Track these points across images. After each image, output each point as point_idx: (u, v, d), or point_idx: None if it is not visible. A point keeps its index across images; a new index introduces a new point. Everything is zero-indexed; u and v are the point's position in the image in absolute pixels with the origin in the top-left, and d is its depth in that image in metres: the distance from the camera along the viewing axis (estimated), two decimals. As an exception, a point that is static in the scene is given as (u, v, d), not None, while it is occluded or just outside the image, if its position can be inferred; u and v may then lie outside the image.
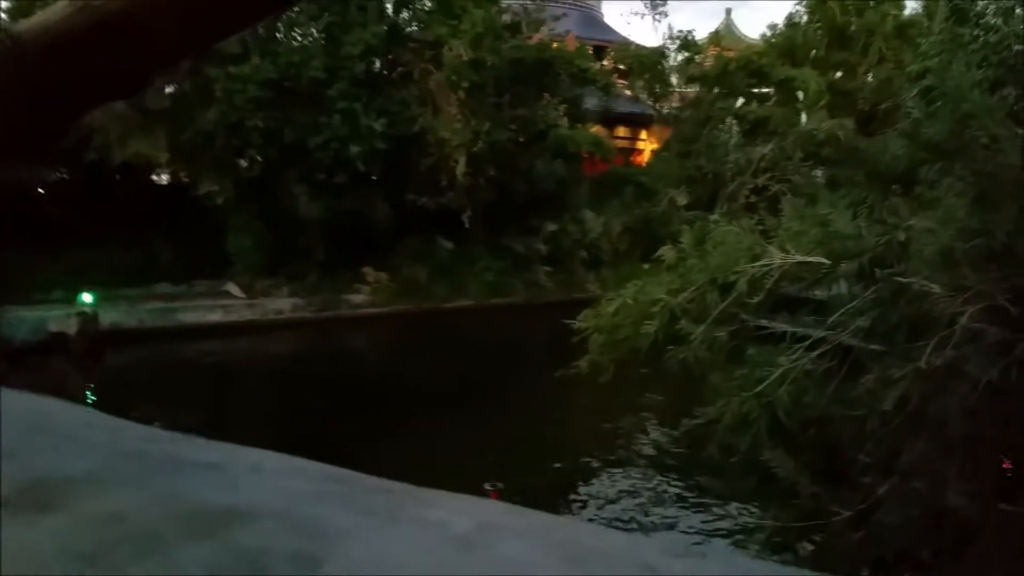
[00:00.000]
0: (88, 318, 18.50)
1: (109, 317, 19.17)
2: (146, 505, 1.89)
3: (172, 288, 22.41)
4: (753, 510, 8.62)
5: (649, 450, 13.26)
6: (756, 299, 5.31)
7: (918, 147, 4.55)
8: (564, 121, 27.65)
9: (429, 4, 24.86)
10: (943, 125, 4.56)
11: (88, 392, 15.52)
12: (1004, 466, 4.42)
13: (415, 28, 24.80)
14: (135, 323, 19.97)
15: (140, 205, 22.67)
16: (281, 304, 22.56)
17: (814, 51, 32.52)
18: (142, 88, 1.19)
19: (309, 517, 1.90)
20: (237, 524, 1.81)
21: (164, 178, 25.42)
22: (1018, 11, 12.18)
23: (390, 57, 24.33)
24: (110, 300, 19.73)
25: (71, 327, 18.31)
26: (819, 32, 32.77)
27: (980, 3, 13.06)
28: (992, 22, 12.04)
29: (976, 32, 11.99)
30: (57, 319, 18.43)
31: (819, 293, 5.41)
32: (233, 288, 22.84)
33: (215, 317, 21.41)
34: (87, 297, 18.72)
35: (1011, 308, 4.00)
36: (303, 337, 21.59)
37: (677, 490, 11.45)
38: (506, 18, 26.35)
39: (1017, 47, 11.34)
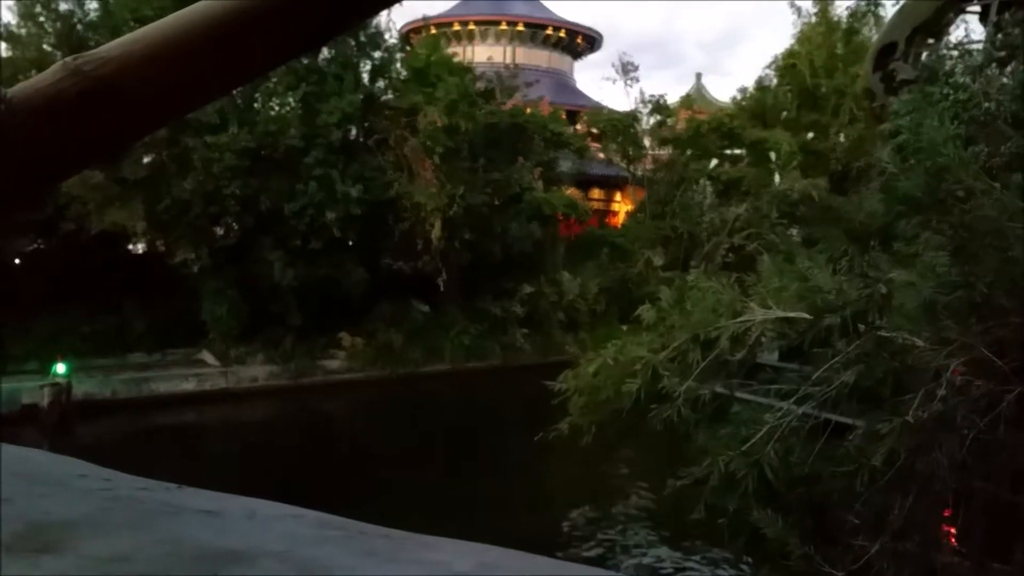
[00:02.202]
0: (60, 389, 18.21)
1: (83, 387, 18.90)
2: (148, 547, 1.90)
3: (146, 357, 22.13)
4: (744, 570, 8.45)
5: (633, 511, 13.05)
6: (739, 355, 5.26)
7: (895, 201, 4.58)
8: (539, 184, 27.99)
9: (404, 73, 25.26)
10: (918, 179, 4.59)
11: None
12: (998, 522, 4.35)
13: (391, 96, 25.14)
14: (108, 393, 19.72)
15: (115, 274, 22.50)
16: (256, 371, 22.27)
17: (785, 113, 33.26)
18: (127, 151, 1.16)
19: (311, 557, 1.91)
20: (241, 564, 1.81)
21: (140, 247, 25.30)
22: (986, 70, 12.58)
23: (366, 124, 24.59)
24: (84, 370, 19.46)
25: (43, 398, 17.98)
26: (789, 94, 33.55)
27: (948, 63, 13.49)
28: (961, 81, 12.41)
29: (946, 91, 12.31)
30: (30, 390, 18.11)
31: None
32: (207, 356, 22.55)
33: (189, 386, 21.13)
34: (60, 368, 18.46)
35: (996, 360, 3.97)
36: (278, 404, 21.27)
37: (662, 551, 11.24)
38: (480, 85, 26.84)
39: (986, 104, 11.66)
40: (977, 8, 16.35)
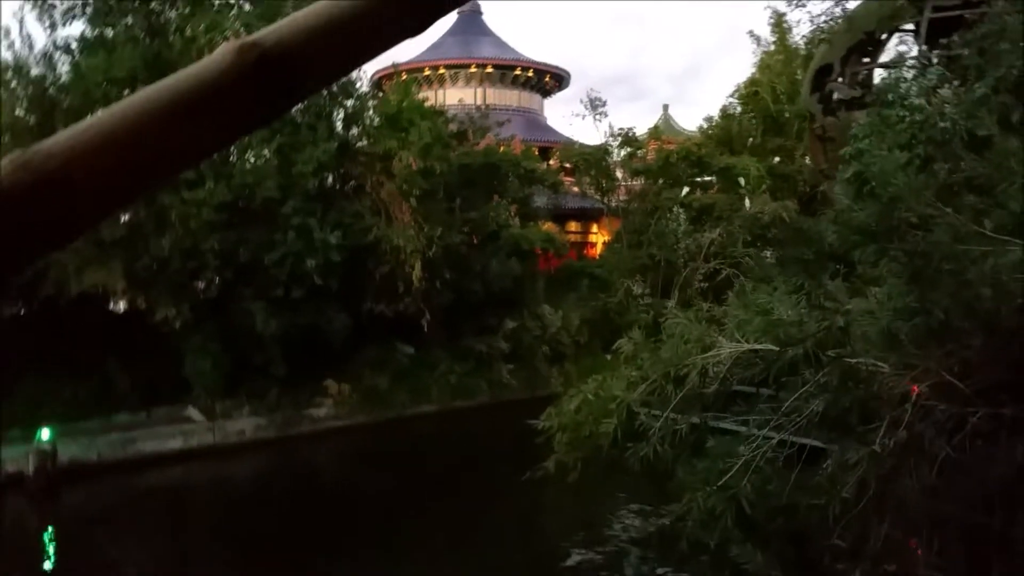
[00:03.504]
0: (45, 455, 17.96)
1: (68, 452, 18.63)
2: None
3: (131, 417, 21.85)
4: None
5: (619, 548, 13.02)
6: (711, 388, 5.35)
7: (849, 231, 4.71)
8: (516, 220, 28.20)
9: (377, 120, 25.47)
10: (872, 208, 4.73)
11: (46, 532, 14.95)
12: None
13: (365, 143, 25.32)
14: (94, 456, 19.44)
15: (97, 335, 22.33)
16: (242, 425, 22.09)
17: (751, 139, 33.81)
18: (82, 236, 1.24)
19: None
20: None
21: (121, 306, 25.17)
22: (940, 91, 12.86)
23: (342, 171, 24.73)
24: (69, 434, 19.20)
25: (28, 465, 17.73)
26: (754, 121, 34.14)
27: (903, 85, 13.78)
28: (916, 102, 12.68)
29: (902, 113, 12.57)
30: (14, 458, 17.85)
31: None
32: (193, 412, 22.34)
33: (175, 444, 20.89)
34: (45, 433, 18.21)
35: (958, 383, 4.08)
36: (266, 457, 21.10)
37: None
38: (453, 127, 27.14)
39: (942, 125, 11.93)
40: (911, 26, 16.75)
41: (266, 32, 1.21)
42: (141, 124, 1.07)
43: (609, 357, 10.48)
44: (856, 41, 16.62)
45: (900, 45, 18.14)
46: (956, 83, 12.54)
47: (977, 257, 4.52)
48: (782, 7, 34.05)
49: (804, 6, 35.85)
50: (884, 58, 18.47)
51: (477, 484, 17.11)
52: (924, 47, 16.13)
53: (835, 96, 16.60)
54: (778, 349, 4.78)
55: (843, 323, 4.42)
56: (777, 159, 32.59)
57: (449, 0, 1.29)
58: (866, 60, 17.18)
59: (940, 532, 4.04)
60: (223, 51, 1.16)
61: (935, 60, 14.78)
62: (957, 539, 4.10)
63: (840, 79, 16.58)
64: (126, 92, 20.44)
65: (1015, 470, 3.77)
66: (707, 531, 4.65)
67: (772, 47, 34.90)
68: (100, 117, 1.11)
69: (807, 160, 31.06)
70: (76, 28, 22.33)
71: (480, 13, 48.20)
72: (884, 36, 17.22)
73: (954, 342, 4.21)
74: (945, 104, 11.60)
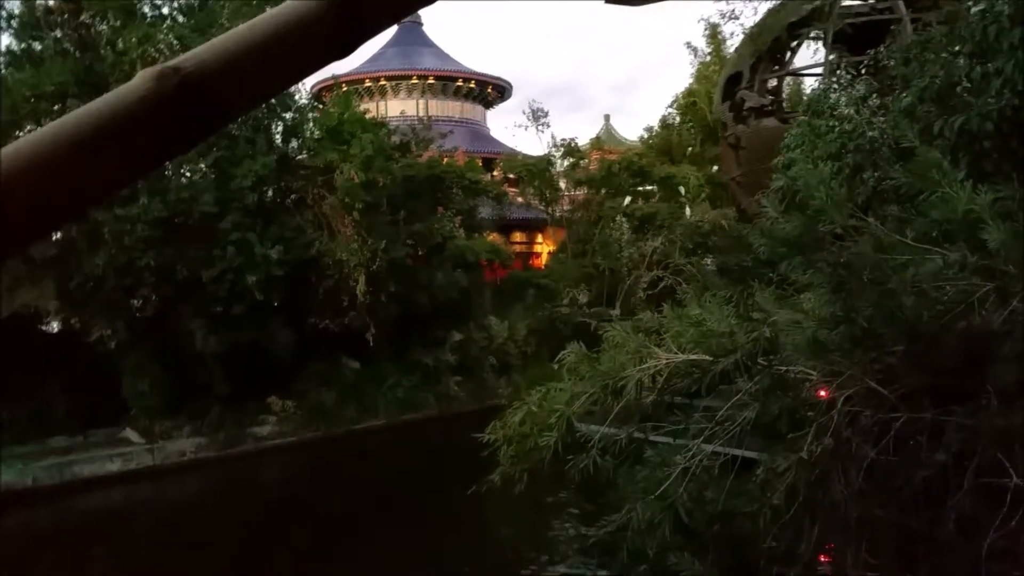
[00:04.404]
0: (-25, 484, 17.37)
1: (3, 478, 18.06)
2: None
3: (68, 440, 21.27)
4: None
5: (559, 560, 13.08)
6: (649, 399, 5.43)
7: (776, 243, 4.84)
8: (461, 232, 28.19)
9: (317, 132, 25.26)
10: (797, 221, 4.87)
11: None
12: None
13: (305, 156, 25.09)
14: (29, 482, 18.91)
15: (31, 356, 21.66)
16: (183, 445, 21.64)
17: (690, 148, 34.42)
18: (12, 257, 1.23)
19: None
20: None
21: (55, 326, 24.47)
22: (868, 100, 13.28)
23: (282, 185, 24.45)
24: (3, 460, 18.60)
25: (-43, 493, 17.12)
26: (692, 130, 34.75)
27: (832, 96, 14.18)
28: (845, 112, 13.07)
29: (832, 123, 12.93)
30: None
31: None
32: (131, 434, 21.82)
33: (114, 467, 20.41)
34: (-24, 459, 17.63)
35: (881, 389, 4.21)
36: (208, 477, 20.69)
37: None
38: (395, 139, 27.03)
39: (870, 134, 12.31)
40: (818, 33, 17.15)
41: (187, 57, 1.21)
42: (66, 149, 1.07)
43: (556, 366, 10.54)
44: (764, 49, 16.83)
45: (815, 54, 18.56)
46: (877, 96, 12.96)
47: (898, 266, 4.67)
48: (716, 18, 34.79)
49: (737, 19, 36.76)
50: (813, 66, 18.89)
51: (424, 498, 17.02)
52: (832, 56, 16.54)
53: (745, 104, 16.80)
54: (711, 359, 4.88)
55: (769, 333, 4.54)
56: (716, 167, 33.23)
57: (373, 24, 1.30)
58: (775, 68, 17.47)
59: (869, 533, 4.16)
60: (143, 77, 1.17)
61: (841, 66, 15.18)
62: (885, 539, 4.23)
63: (749, 87, 16.79)
64: (56, 107, 19.96)
65: (936, 472, 3.91)
66: (647, 539, 4.71)
67: (708, 58, 35.59)
68: (27, 140, 1.12)
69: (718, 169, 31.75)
70: (2, 41, 21.74)
71: (420, 24, 48.20)
72: (793, 44, 17.55)
73: (877, 349, 4.34)
74: (873, 115, 11.99)
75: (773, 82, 17.91)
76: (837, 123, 12.35)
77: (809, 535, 4.11)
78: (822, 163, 10.20)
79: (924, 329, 4.37)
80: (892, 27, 16.08)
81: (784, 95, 20.59)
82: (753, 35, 18.03)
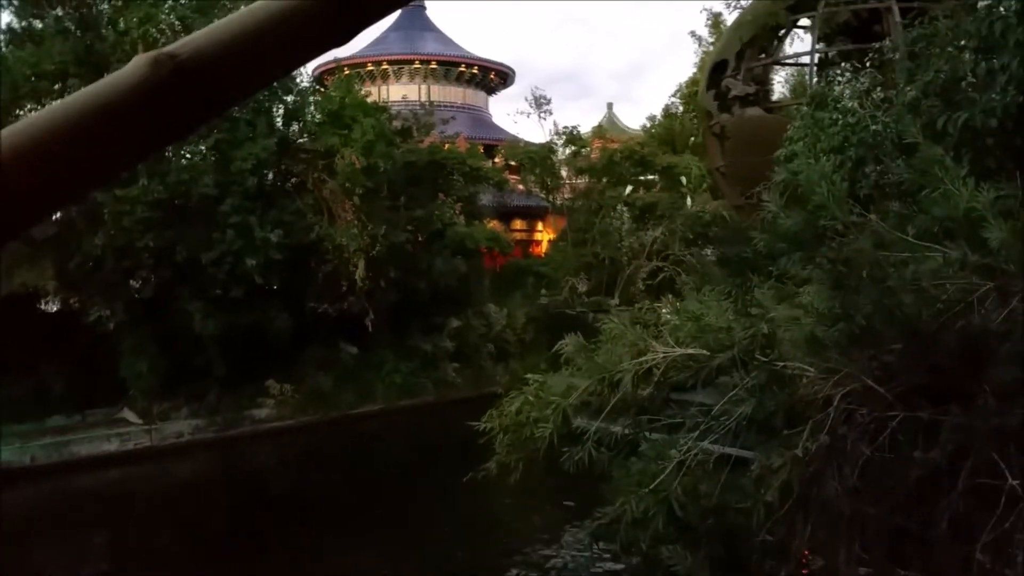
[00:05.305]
0: (-25, 460, 17.45)
1: (1, 457, 18.13)
2: None
3: (66, 419, 21.34)
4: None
5: (554, 552, 13.10)
6: (645, 392, 5.42)
7: (777, 239, 4.81)
8: (461, 218, 28.12)
9: (319, 116, 25.14)
10: (798, 216, 4.84)
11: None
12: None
13: (306, 139, 24.98)
14: (27, 460, 19.03)
15: (29, 336, 21.66)
16: (180, 427, 21.69)
17: (692, 138, 34.23)
18: (12, 239, 1.23)
19: None
20: None
21: (53, 306, 24.45)
22: (872, 94, 13.18)
23: (282, 168, 24.37)
24: (1, 438, 18.66)
25: (-44, 472, 17.20)
26: (695, 120, 34.56)
27: (837, 88, 14.06)
28: (849, 105, 12.97)
29: (835, 115, 12.83)
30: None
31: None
32: (129, 414, 21.86)
33: (111, 447, 20.47)
34: (-25, 437, 17.70)
35: (878, 388, 4.20)
36: (205, 459, 20.74)
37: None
38: (396, 124, 26.92)
39: (873, 127, 12.22)
40: (806, 21, 16.93)
41: (183, 43, 1.19)
42: (63, 134, 1.06)
43: (554, 353, 10.55)
44: (750, 37, 16.59)
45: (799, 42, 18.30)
46: (881, 89, 12.85)
47: (899, 263, 4.64)
48: (719, 7, 34.58)
49: (741, 8, 36.44)
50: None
51: (420, 484, 17.06)
52: (819, 44, 16.34)
53: (731, 93, 16.56)
54: (708, 354, 4.87)
55: (767, 329, 4.52)
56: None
57: (374, 12, 1.28)
58: (762, 56, 17.24)
59: (862, 531, 4.16)
60: (137, 62, 1.15)
61: (828, 56, 14.93)
62: (878, 537, 4.23)
63: (735, 75, 16.53)
64: (56, 87, 19.87)
65: (931, 472, 3.90)
66: (640, 532, 4.71)
67: (711, 47, 35.37)
68: (25, 123, 1.08)
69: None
70: (2, 19, 21.65)
71: (424, 8, 47.93)
72: (781, 32, 17.32)
73: (875, 347, 4.33)
74: (876, 108, 11.90)
75: (759, 70, 17.65)
76: (840, 116, 12.25)
77: (802, 531, 4.11)
78: (824, 157, 10.13)
79: (923, 328, 4.35)
80: (878, 22, 15.87)
81: (770, 84, 20.37)
82: (740, 22, 17.82)
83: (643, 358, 5.16)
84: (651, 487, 4.69)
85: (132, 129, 1.12)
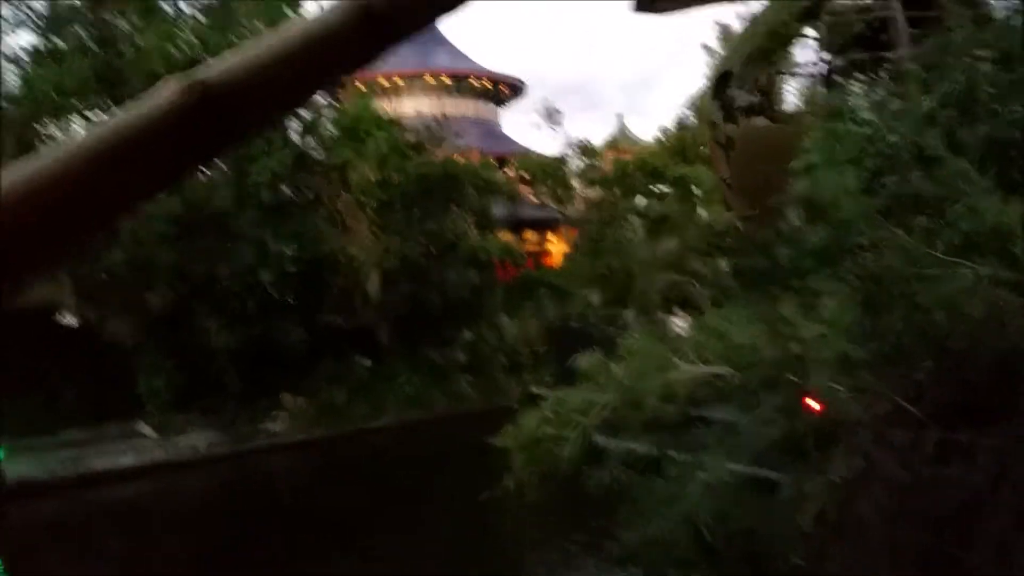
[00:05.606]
0: (-7, 473, 17.47)
1: (17, 470, 18.15)
2: None
3: (82, 433, 21.38)
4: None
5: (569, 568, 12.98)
6: (670, 411, 5.35)
7: (801, 256, 4.74)
8: (473, 230, 28.10)
9: (333, 130, 25.22)
10: (823, 232, 4.76)
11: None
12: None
13: (321, 154, 25.06)
14: (44, 474, 19.01)
15: (46, 350, 21.74)
16: (196, 440, 21.69)
17: (702, 147, 34.13)
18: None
19: None
20: None
21: (70, 320, 24.55)
22: (889, 105, 13.07)
23: (297, 182, 24.45)
24: (18, 452, 18.70)
25: (-25, 486, 17.22)
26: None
27: (851, 100, 13.97)
28: (866, 116, 12.86)
29: (851, 127, 12.72)
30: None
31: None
32: (145, 428, 21.90)
33: (127, 460, 20.49)
34: (-7, 451, 17.71)
35: (910, 408, 4.11)
36: (220, 473, 20.71)
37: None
38: (409, 137, 26.97)
39: (891, 138, 12.12)
40: (813, 32, 16.77)
41: (212, 69, 1.18)
42: (89, 165, 1.05)
43: (568, 370, 10.46)
44: (755, 47, 16.44)
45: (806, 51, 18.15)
46: (898, 99, 12.74)
47: (929, 280, 4.56)
48: (729, 18, 34.50)
49: (749, 20, 36.38)
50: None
51: (434, 500, 16.98)
52: (825, 54, 16.22)
53: (736, 103, 16.40)
54: (734, 372, 4.79)
55: (798, 350, 4.44)
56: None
57: (400, 35, 1.26)
58: (767, 66, 17.10)
59: (899, 556, 4.06)
60: (168, 90, 1.12)
61: (832, 64, 14.79)
62: (914, 562, 4.13)
63: (740, 86, 16.39)
64: (78, 104, 20.05)
65: (968, 494, 3.81)
66: (666, 555, 4.63)
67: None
68: (49, 155, 1.07)
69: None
70: (25, 38, 21.87)
71: (436, 22, 48.02)
72: (786, 41, 17.17)
73: (907, 366, 4.24)
74: (893, 119, 11.80)
75: (765, 80, 17.50)
76: (857, 126, 12.16)
77: (836, 555, 4.02)
78: (843, 169, 10.05)
79: (955, 346, 4.26)
80: (884, 32, 15.72)
81: (777, 94, 20.23)
82: (745, 32, 17.71)
83: (668, 376, 5.09)
84: (676, 509, 4.61)
85: (161, 155, 1.11)
